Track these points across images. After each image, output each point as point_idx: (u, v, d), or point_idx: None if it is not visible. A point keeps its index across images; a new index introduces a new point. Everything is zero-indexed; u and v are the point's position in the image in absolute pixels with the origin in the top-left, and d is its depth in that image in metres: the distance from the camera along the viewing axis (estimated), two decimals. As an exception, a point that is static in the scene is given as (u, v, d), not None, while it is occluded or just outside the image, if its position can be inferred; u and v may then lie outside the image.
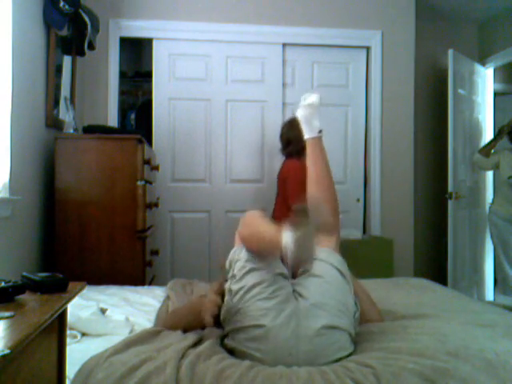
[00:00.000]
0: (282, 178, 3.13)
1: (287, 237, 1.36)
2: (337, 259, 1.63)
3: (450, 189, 3.88)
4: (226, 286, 1.59)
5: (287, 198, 3.01)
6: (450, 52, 3.89)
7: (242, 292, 1.48)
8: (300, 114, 1.87)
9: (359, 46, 3.80)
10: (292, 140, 3.06)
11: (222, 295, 1.64)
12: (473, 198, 4.29)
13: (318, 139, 1.86)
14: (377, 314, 1.77)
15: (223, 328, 1.53)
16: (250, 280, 1.50)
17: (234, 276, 1.56)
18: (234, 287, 1.52)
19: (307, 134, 1.86)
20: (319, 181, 1.81)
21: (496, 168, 4.06)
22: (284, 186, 3.09)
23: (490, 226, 4.16)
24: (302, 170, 3.00)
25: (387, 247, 3.51)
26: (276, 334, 1.39)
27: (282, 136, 3.18)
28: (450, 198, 3.87)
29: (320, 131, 1.86)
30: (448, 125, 3.88)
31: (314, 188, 1.80)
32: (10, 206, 2.12)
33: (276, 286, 1.47)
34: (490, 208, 4.19)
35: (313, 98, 1.85)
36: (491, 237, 4.20)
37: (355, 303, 1.56)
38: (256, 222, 1.56)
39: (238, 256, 1.60)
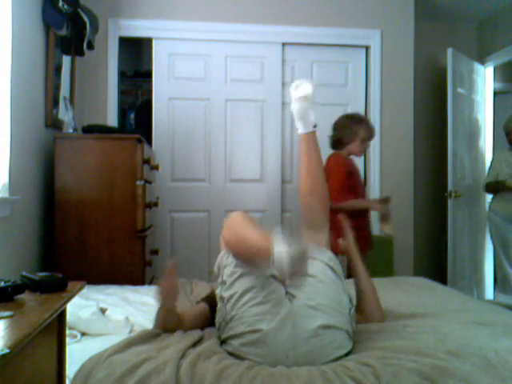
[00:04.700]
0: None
1: (280, 249, 1.29)
2: (328, 256, 1.62)
3: (449, 188, 3.88)
4: (217, 292, 1.58)
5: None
6: (449, 51, 3.89)
7: (234, 299, 1.47)
8: (294, 108, 1.74)
9: (358, 45, 3.80)
10: (334, 131, 2.97)
11: (212, 302, 1.64)
12: (472, 197, 4.29)
13: (313, 134, 1.77)
14: (380, 315, 1.76)
15: (219, 336, 1.52)
16: (241, 286, 1.48)
17: (223, 282, 1.55)
18: (226, 294, 1.51)
19: (302, 129, 1.77)
20: (313, 177, 1.77)
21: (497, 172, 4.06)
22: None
23: (490, 224, 4.16)
24: (342, 164, 2.88)
25: (387, 246, 3.51)
26: (273, 338, 1.38)
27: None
28: (450, 197, 3.87)
29: (315, 126, 1.78)
30: (447, 124, 3.88)
31: (306, 183, 1.77)
32: (10, 205, 2.12)
33: (268, 290, 1.46)
34: (489, 207, 4.18)
35: (306, 89, 1.69)
36: (491, 236, 4.20)
37: (350, 300, 1.56)
38: (241, 227, 1.48)
39: (227, 261, 1.58)
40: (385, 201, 2.83)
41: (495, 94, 4.60)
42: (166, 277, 1.52)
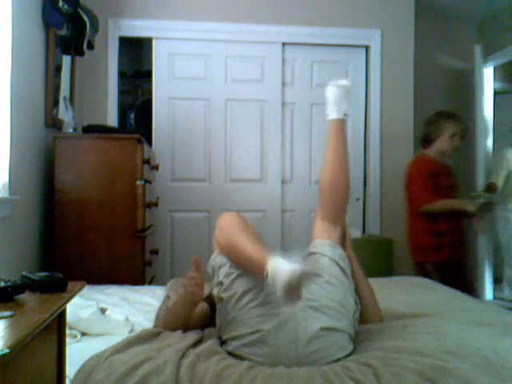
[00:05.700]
0: (406, 178, 2.91)
1: (274, 272, 1.27)
2: (339, 254, 1.60)
3: (479, 187, 3.89)
4: (214, 293, 1.56)
5: (413, 202, 2.77)
6: (477, 48, 3.97)
7: (233, 300, 1.46)
8: (329, 93, 1.71)
9: (359, 45, 3.80)
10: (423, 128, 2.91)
11: (212, 301, 1.63)
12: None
13: (342, 122, 1.73)
14: (377, 315, 1.74)
15: (220, 336, 1.52)
16: (240, 287, 1.47)
17: (220, 283, 1.52)
18: (225, 295, 1.49)
19: (333, 115, 1.73)
20: (338, 164, 1.70)
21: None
22: (409, 190, 2.85)
23: (501, 221, 4.11)
24: (425, 164, 2.82)
25: (387, 246, 3.50)
26: (274, 338, 1.38)
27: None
28: (485, 196, 3.85)
29: (346, 115, 1.74)
30: (476, 125, 3.94)
31: (330, 170, 1.70)
32: (10, 205, 2.12)
33: (268, 291, 1.43)
34: (501, 204, 4.15)
35: (347, 82, 1.73)
36: (500, 233, 4.16)
37: (355, 302, 1.55)
38: (235, 234, 1.47)
39: (221, 261, 1.54)
40: (484, 205, 2.74)
41: (495, 93, 4.59)
42: (192, 270, 1.51)
